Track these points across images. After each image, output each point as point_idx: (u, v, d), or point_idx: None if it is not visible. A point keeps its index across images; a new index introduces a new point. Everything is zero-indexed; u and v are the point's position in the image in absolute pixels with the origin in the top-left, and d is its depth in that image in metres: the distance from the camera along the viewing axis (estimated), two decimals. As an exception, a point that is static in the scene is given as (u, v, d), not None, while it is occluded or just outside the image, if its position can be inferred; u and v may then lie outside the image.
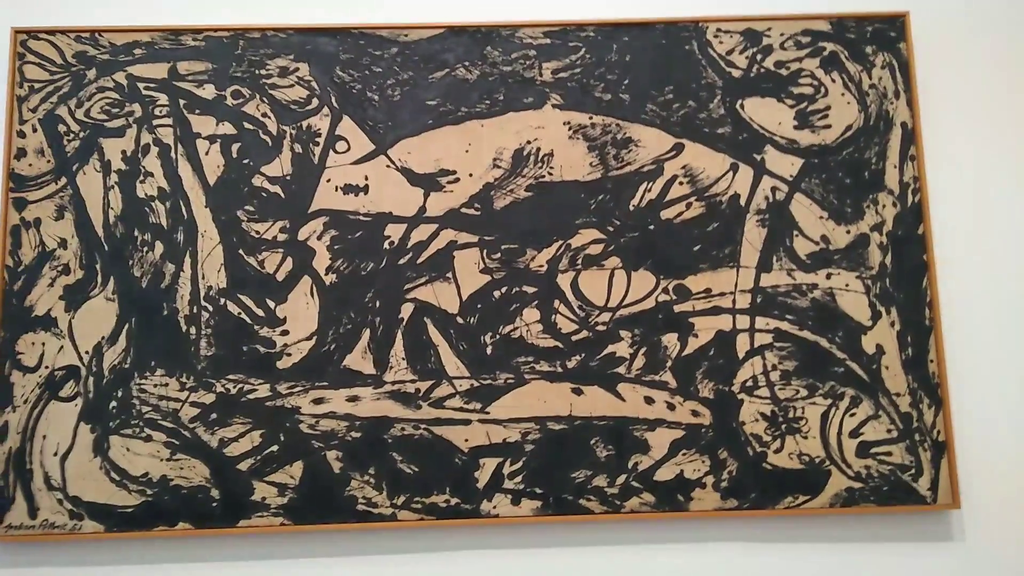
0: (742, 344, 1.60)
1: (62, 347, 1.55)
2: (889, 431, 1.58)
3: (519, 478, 1.55)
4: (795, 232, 1.63)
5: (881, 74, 1.68)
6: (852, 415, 1.58)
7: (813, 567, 1.57)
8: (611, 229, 1.62)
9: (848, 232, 1.63)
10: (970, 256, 1.67)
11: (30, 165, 1.59)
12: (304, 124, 1.63)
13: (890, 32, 1.69)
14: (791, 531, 1.58)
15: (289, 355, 1.57)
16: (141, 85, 1.63)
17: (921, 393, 1.59)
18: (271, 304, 1.58)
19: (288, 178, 1.62)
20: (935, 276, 1.62)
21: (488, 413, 1.56)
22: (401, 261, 1.60)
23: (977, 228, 1.68)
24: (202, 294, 1.58)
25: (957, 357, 1.63)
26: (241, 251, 1.59)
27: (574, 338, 1.59)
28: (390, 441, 1.55)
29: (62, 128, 1.61)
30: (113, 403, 1.54)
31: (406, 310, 1.59)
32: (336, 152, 1.63)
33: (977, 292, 1.66)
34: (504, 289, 1.60)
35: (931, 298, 1.61)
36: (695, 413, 1.58)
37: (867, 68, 1.68)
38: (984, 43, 1.74)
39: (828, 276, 1.62)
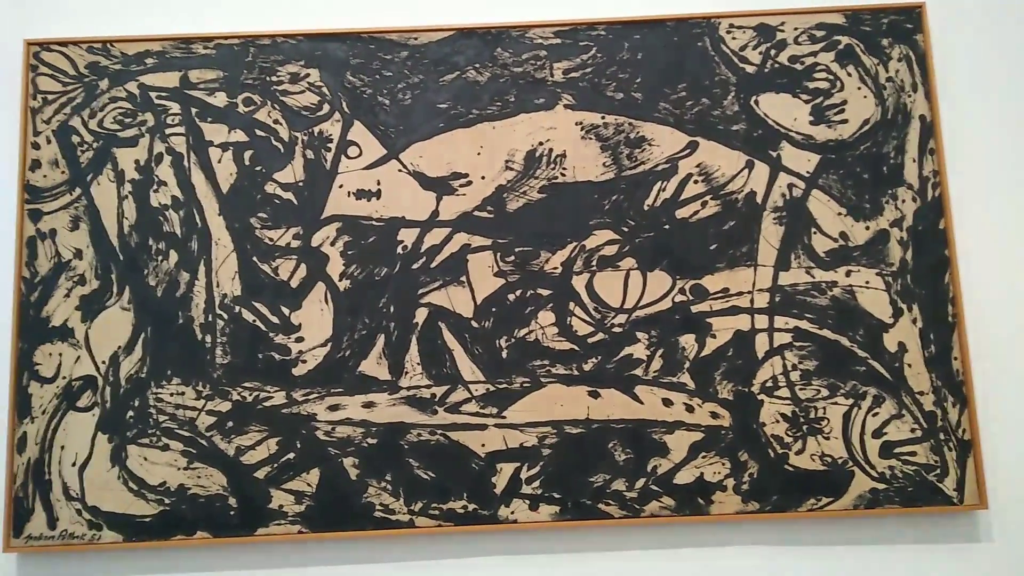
0: (761, 344, 1.57)
1: (79, 357, 1.55)
2: (913, 430, 1.55)
3: (537, 483, 1.54)
4: (813, 229, 1.60)
5: (898, 67, 1.65)
6: (875, 415, 1.55)
7: (837, 570, 1.55)
8: (626, 229, 1.61)
9: (867, 228, 1.60)
10: (993, 250, 1.64)
11: (44, 176, 1.60)
12: (316, 130, 1.63)
13: (906, 24, 1.66)
14: (814, 534, 1.56)
15: (304, 362, 1.56)
16: (153, 94, 1.63)
17: (945, 391, 1.56)
18: (286, 311, 1.58)
19: (300, 184, 1.61)
20: (957, 271, 1.59)
21: (504, 417, 1.55)
22: (415, 266, 1.59)
23: (999, 221, 1.65)
24: (217, 302, 1.58)
25: (981, 353, 1.60)
26: (255, 258, 1.59)
27: (590, 340, 1.58)
28: (406, 447, 1.54)
29: (75, 139, 1.61)
30: (130, 413, 1.54)
31: (420, 315, 1.58)
32: (348, 157, 1.62)
33: (1001, 286, 1.63)
34: (519, 292, 1.59)
35: (954, 294, 1.58)
36: (714, 415, 1.56)
37: (883, 61, 1.65)
38: (1002, 32, 1.71)
39: (848, 273, 1.59)
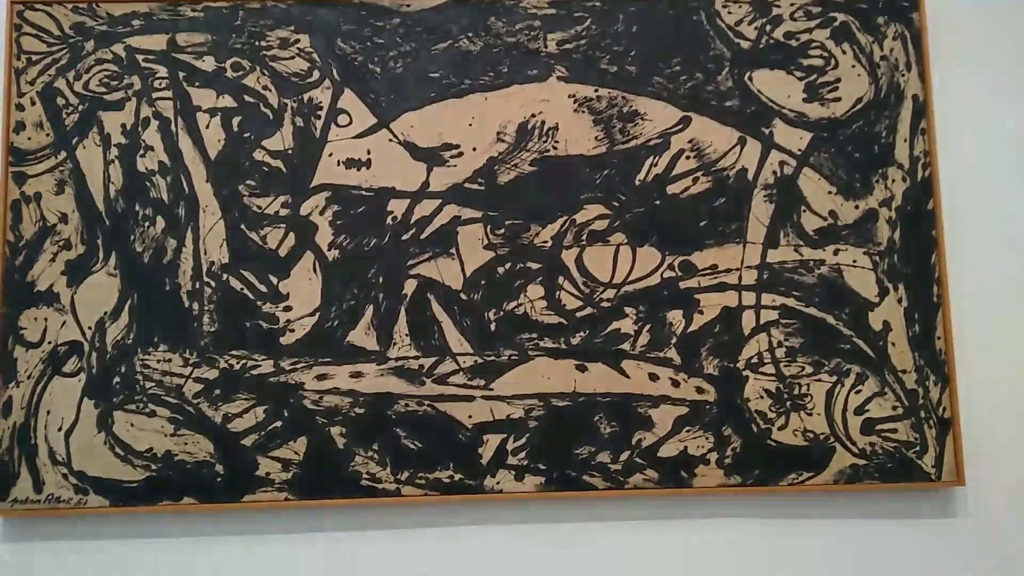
0: (748, 321, 1.58)
1: (65, 322, 1.54)
2: (895, 408, 1.57)
3: (523, 454, 1.55)
4: (803, 207, 1.61)
5: (893, 45, 1.64)
6: (857, 392, 1.57)
7: (817, 544, 1.58)
8: (616, 204, 1.60)
9: (857, 207, 1.61)
10: (979, 232, 1.65)
11: (29, 139, 1.58)
12: (305, 97, 1.61)
13: (902, 2, 1.65)
14: (795, 508, 1.58)
15: (292, 331, 1.56)
16: (140, 57, 1.60)
17: (927, 370, 1.58)
18: (273, 280, 1.57)
19: (289, 152, 1.60)
20: (944, 252, 1.60)
21: (492, 389, 1.56)
22: (404, 237, 1.59)
23: (987, 204, 1.66)
24: (204, 269, 1.57)
25: (964, 334, 1.62)
26: (243, 226, 1.58)
27: (578, 314, 1.58)
28: (394, 417, 1.55)
29: (61, 101, 1.59)
30: (116, 379, 1.54)
31: (409, 286, 1.58)
32: (338, 126, 1.61)
33: (986, 269, 1.64)
34: (508, 265, 1.59)
35: (939, 274, 1.59)
36: (699, 390, 1.57)
37: (878, 39, 1.64)
38: (997, 14, 1.70)
39: (835, 252, 1.60)
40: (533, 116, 1.61)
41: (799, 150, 1.62)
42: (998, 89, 1.68)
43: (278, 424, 1.54)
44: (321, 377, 1.55)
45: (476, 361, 1.57)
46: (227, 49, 1.61)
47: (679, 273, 1.59)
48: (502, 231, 1.60)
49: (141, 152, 1.59)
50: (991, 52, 1.69)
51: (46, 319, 1.54)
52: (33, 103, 1.58)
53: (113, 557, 1.54)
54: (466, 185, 1.60)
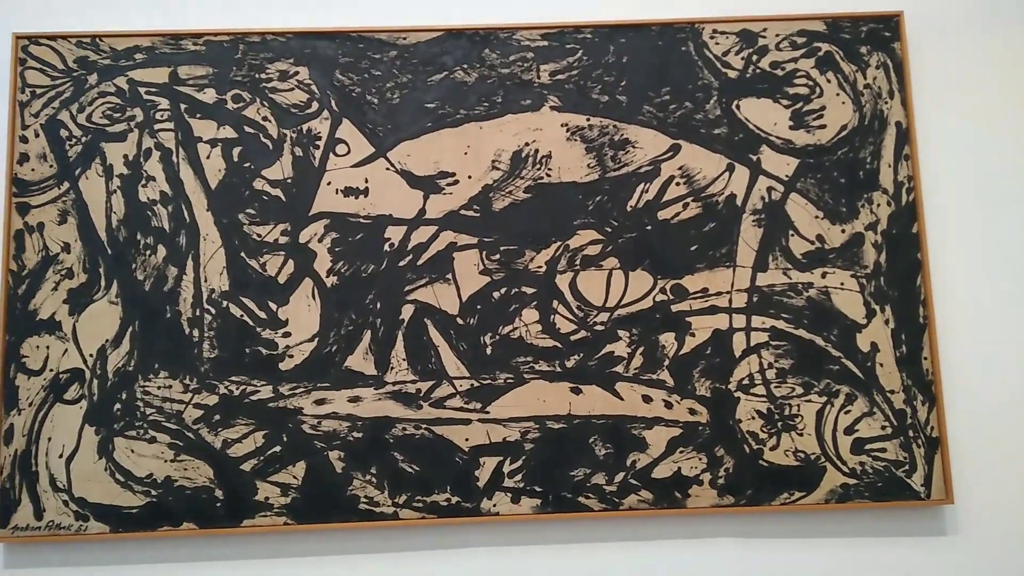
0: (738, 343, 1.62)
1: (66, 350, 1.56)
2: (883, 428, 1.60)
3: (519, 476, 1.57)
4: (791, 231, 1.65)
5: (875, 74, 1.69)
6: (847, 412, 1.60)
7: (809, 563, 1.60)
8: (609, 230, 1.64)
9: (843, 231, 1.65)
10: (963, 254, 1.69)
11: (33, 170, 1.61)
12: (304, 127, 1.64)
13: (884, 32, 1.70)
14: (787, 527, 1.61)
15: (291, 356, 1.58)
16: (142, 89, 1.64)
17: (915, 390, 1.61)
18: (273, 306, 1.60)
19: (289, 181, 1.63)
20: (929, 274, 1.64)
21: (488, 413, 1.58)
22: (401, 263, 1.62)
23: (970, 226, 1.70)
24: (205, 297, 1.59)
25: (950, 354, 1.65)
26: (243, 254, 1.61)
27: (573, 338, 1.61)
28: (391, 441, 1.57)
29: (64, 133, 1.62)
30: (117, 405, 1.56)
31: (407, 311, 1.61)
32: (336, 155, 1.64)
33: (970, 290, 1.68)
34: (503, 290, 1.62)
35: (925, 296, 1.63)
36: (692, 411, 1.60)
37: (862, 68, 1.69)
38: (978, 42, 1.75)
39: (823, 275, 1.64)
40: (527, 144, 1.65)
41: (786, 176, 1.66)
42: (978, 115, 1.73)
43: (277, 449, 1.56)
44: (320, 402, 1.58)
45: (472, 384, 1.59)
46: (228, 81, 1.65)
47: (671, 296, 1.63)
48: (497, 256, 1.63)
49: (143, 182, 1.62)
50: (971, 79, 1.74)
51: (48, 347, 1.57)
52: (37, 135, 1.62)
53: (113, 583, 1.56)
54: (462, 212, 1.63)
